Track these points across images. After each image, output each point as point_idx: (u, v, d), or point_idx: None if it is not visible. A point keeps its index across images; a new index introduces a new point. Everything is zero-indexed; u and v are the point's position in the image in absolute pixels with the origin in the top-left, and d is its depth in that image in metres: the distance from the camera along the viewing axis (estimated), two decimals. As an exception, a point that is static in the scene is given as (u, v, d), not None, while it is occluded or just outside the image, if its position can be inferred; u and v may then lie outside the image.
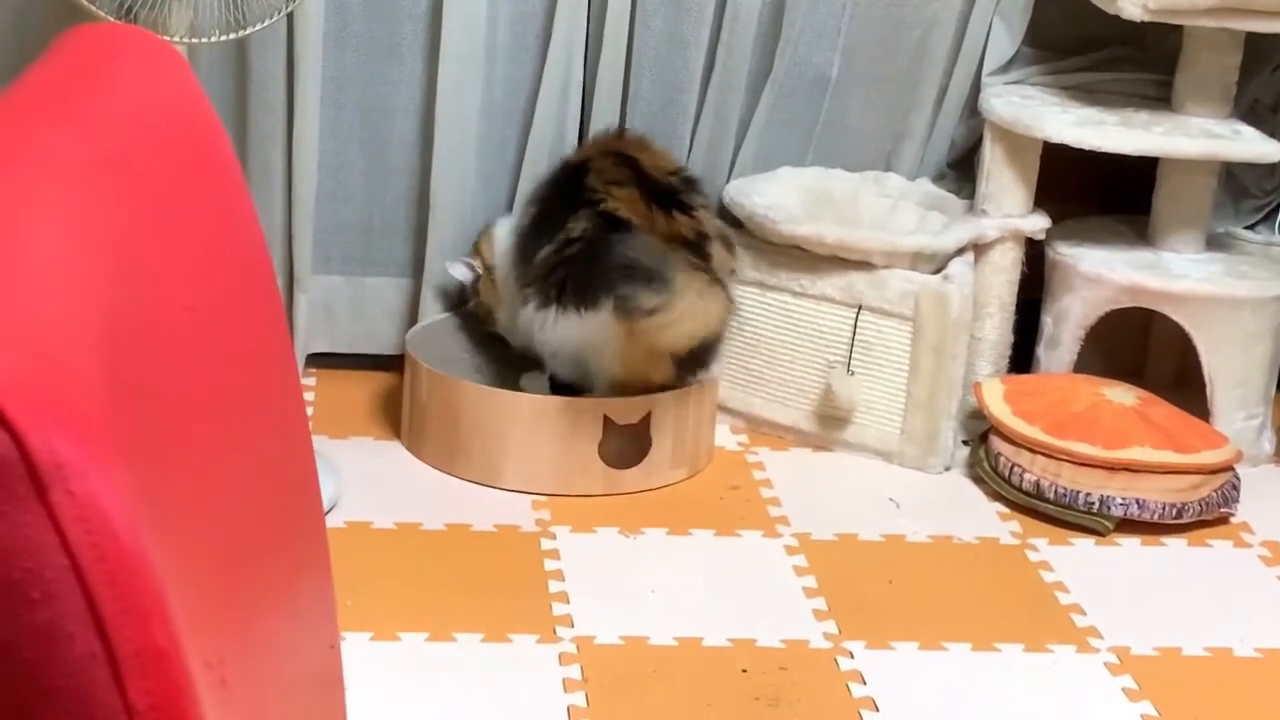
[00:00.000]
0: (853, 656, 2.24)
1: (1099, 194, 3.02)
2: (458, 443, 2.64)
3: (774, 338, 2.81)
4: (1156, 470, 2.60)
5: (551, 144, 2.86)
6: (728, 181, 2.90)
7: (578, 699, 2.12)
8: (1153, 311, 2.82)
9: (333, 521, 2.46)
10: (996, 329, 2.85)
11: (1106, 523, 2.60)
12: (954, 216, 2.86)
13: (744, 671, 2.20)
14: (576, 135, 2.87)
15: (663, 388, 2.62)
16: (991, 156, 2.82)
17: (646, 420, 2.62)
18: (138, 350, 0.85)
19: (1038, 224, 2.83)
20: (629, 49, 2.86)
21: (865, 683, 2.19)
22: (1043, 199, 2.85)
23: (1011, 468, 2.65)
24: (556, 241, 2.57)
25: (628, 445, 2.62)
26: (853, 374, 2.76)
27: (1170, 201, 2.87)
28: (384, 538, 2.47)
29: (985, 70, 2.94)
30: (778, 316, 2.79)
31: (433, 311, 2.90)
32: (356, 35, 2.82)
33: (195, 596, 0.80)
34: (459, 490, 2.61)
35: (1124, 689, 2.22)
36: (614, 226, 2.55)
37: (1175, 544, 2.60)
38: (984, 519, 2.64)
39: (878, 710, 2.14)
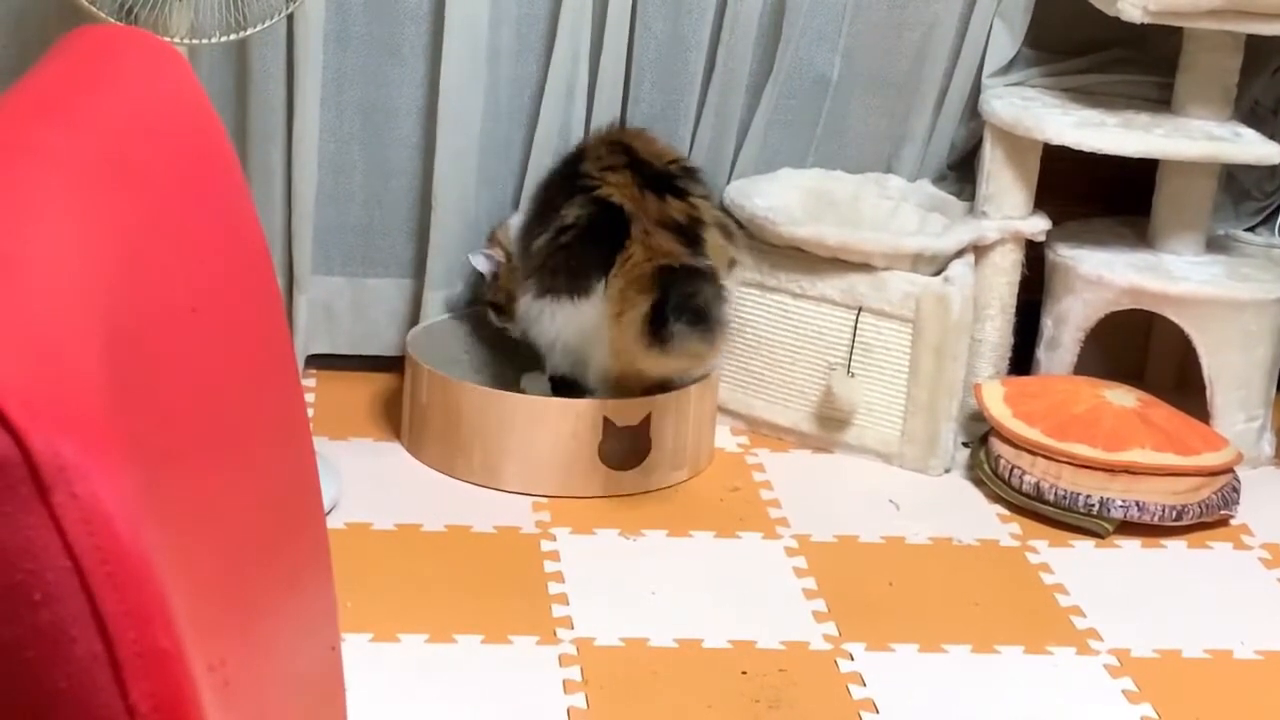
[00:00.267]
0: (853, 658, 2.24)
1: (1099, 196, 3.02)
2: (458, 444, 2.64)
3: (774, 339, 2.81)
4: (1157, 472, 2.60)
5: (556, 145, 2.86)
6: (728, 183, 2.90)
7: (578, 700, 2.12)
8: (1153, 313, 2.82)
9: (333, 523, 2.46)
10: (997, 331, 2.85)
11: (1107, 525, 2.60)
12: (955, 218, 2.86)
13: (744, 673, 2.20)
14: (583, 137, 2.87)
15: (660, 384, 2.62)
16: (992, 158, 2.82)
17: (646, 422, 2.62)
18: (140, 351, 0.85)
19: (1038, 226, 2.83)
20: (629, 50, 2.86)
21: (865, 684, 2.19)
22: (1043, 201, 2.85)
23: (1012, 469, 2.65)
24: (551, 229, 2.58)
25: (628, 447, 2.62)
26: (853, 376, 2.76)
27: (1171, 203, 2.87)
28: (384, 539, 2.47)
29: (986, 72, 2.94)
30: (778, 318, 2.79)
31: (434, 313, 2.89)
32: (357, 36, 2.82)
33: (197, 598, 0.80)
34: (459, 492, 2.61)
35: (1124, 691, 2.21)
36: (607, 212, 2.55)
37: (1175, 546, 2.60)
38: (984, 521, 2.64)
39: (877, 712, 2.14)
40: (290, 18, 2.64)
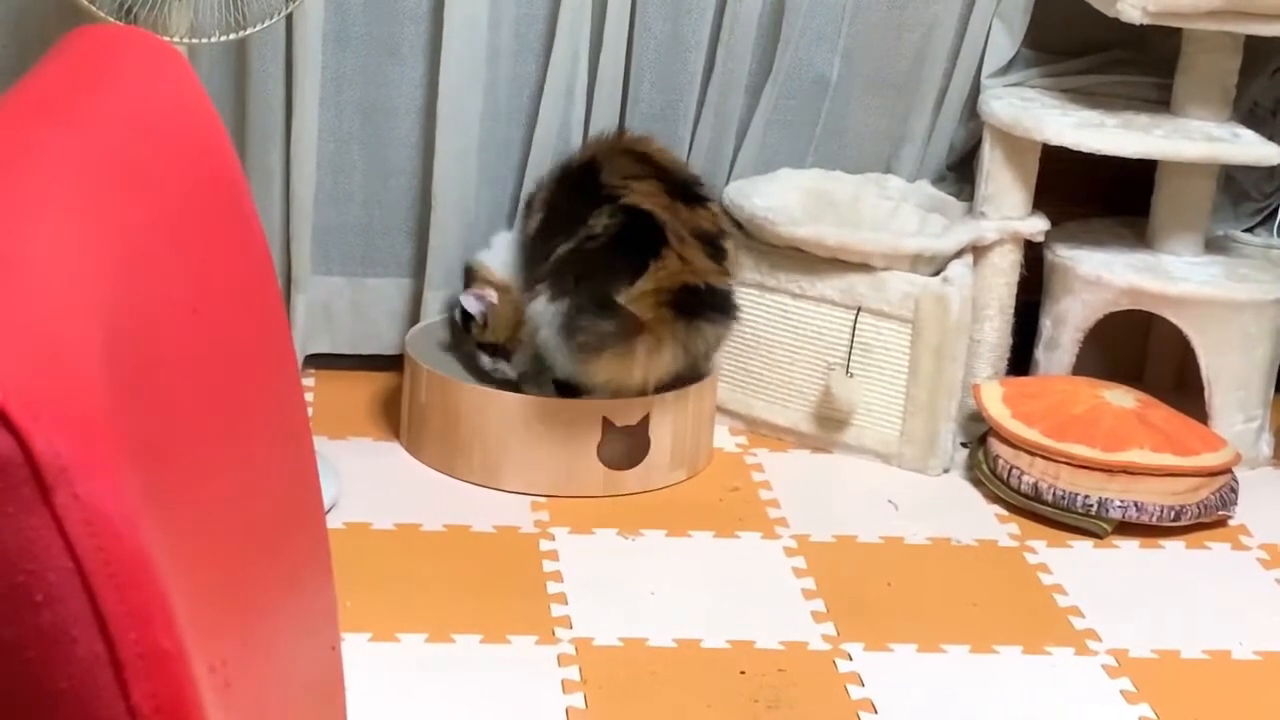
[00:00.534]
0: (851, 658, 2.24)
1: (1098, 196, 3.02)
2: (457, 444, 2.64)
3: (773, 339, 2.81)
4: (1155, 473, 2.60)
5: (556, 145, 2.86)
6: (727, 183, 2.90)
7: (576, 700, 2.12)
8: (1152, 314, 2.82)
9: (332, 522, 2.46)
10: (996, 331, 2.85)
11: (1105, 525, 2.60)
12: (954, 219, 2.86)
13: (742, 673, 2.20)
14: (582, 137, 2.87)
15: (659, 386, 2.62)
16: (991, 159, 2.82)
17: (645, 422, 2.62)
18: (141, 351, 0.85)
19: (1037, 226, 2.83)
20: (629, 51, 2.86)
21: (864, 684, 2.19)
22: (1042, 201, 2.85)
23: (1010, 470, 2.65)
24: (577, 238, 2.57)
25: (627, 447, 2.62)
26: (852, 376, 2.76)
27: (1169, 204, 2.87)
28: (383, 539, 2.47)
29: (985, 72, 2.94)
30: (777, 318, 2.79)
31: (433, 312, 2.89)
32: (357, 36, 2.82)
33: (198, 598, 0.80)
34: (458, 491, 2.61)
35: (1122, 691, 2.22)
36: (637, 219, 2.56)
37: (1174, 546, 2.60)
38: (983, 521, 2.64)
39: (876, 712, 2.14)
40: (289, 17, 2.64)
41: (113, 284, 0.85)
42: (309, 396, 2.88)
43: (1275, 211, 3.11)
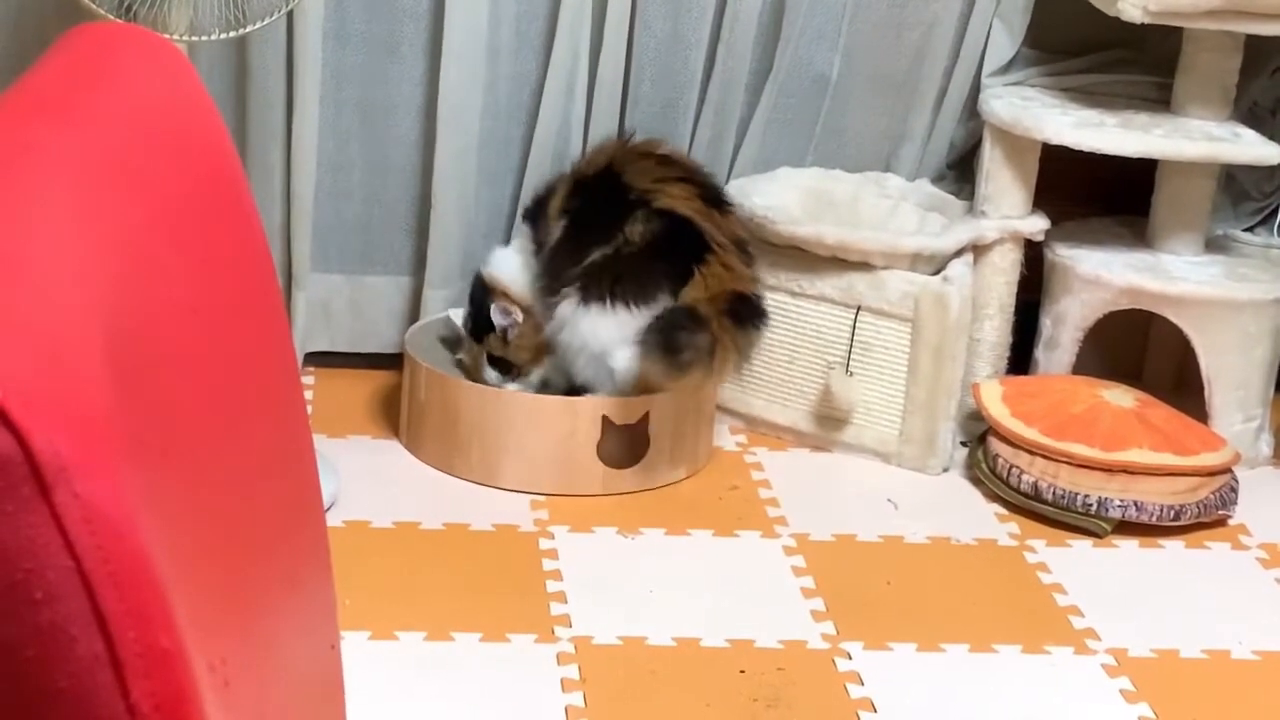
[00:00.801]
0: (851, 657, 2.24)
1: (1098, 196, 3.02)
2: (456, 442, 2.64)
3: (773, 338, 2.80)
4: (1155, 472, 2.60)
5: (555, 144, 2.86)
6: (727, 181, 2.90)
7: (575, 699, 2.12)
8: (1151, 313, 2.82)
9: (331, 521, 2.46)
10: (995, 330, 2.85)
11: (1105, 524, 2.60)
12: (954, 218, 2.86)
13: (742, 672, 2.20)
14: (582, 135, 2.87)
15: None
16: (991, 158, 2.82)
17: (645, 420, 2.62)
18: (141, 350, 0.85)
19: (1037, 225, 2.83)
20: (629, 49, 2.86)
21: (863, 683, 2.19)
22: (1042, 200, 2.85)
23: (1010, 469, 2.65)
24: (614, 244, 2.57)
25: (626, 445, 2.62)
26: (852, 375, 2.76)
27: (1169, 204, 2.87)
28: (382, 537, 2.47)
29: (985, 72, 2.94)
30: (777, 317, 2.79)
31: (432, 310, 2.89)
32: (356, 33, 2.82)
33: (198, 597, 0.79)
34: (457, 489, 2.61)
35: (1121, 690, 2.22)
36: (676, 225, 2.56)
37: (1173, 546, 2.60)
38: (982, 520, 2.64)
39: (875, 711, 2.14)
40: (289, 15, 2.64)
41: (113, 283, 0.85)
42: (308, 395, 2.88)
43: (1275, 211, 3.11)
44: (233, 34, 2.34)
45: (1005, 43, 2.93)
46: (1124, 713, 2.17)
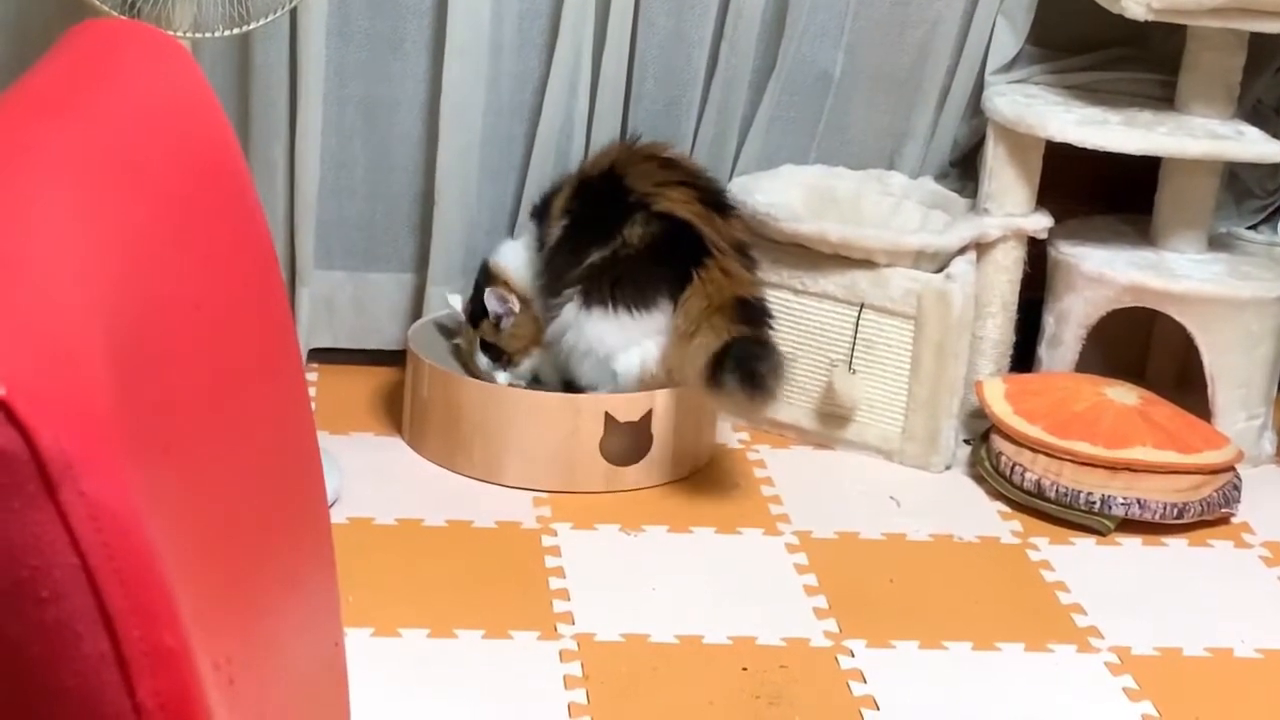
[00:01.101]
0: (853, 655, 2.24)
1: (1102, 193, 3.02)
2: (459, 439, 2.64)
3: (776, 336, 2.80)
4: (1158, 470, 2.60)
5: (558, 141, 2.86)
6: (730, 179, 2.90)
7: (578, 696, 2.12)
8: (1155, 311, 2.82)
9: (334, 517, 2.44)
10: (998, 328, 2.85)
11: (1107, 522, 2.60)
12: (957, 215, 2.86)
13: (744, 669, 2.20)
14: (585, 133, 2.87)
15: None
16: (994, 155, 2.82)
17: (648, 417, 2.62)
18: (144, 347, 0.85)
19: (1040, 223, 2.83)
20: (632, 47, 2.86)
21: (866, 681, 2.19)
22: (1045, 198, 2.84)
23: (1013, 467, 2.65)
24: (611, 246, 2.57)
25: (629, 442, 2.62)
26: (854, 372, 2.76)
27: (1173, 201, 2.87)
28: (385, 534, 2.47)
29: (988, 69, 2.94)
30: (780, 314, 2.79)
31: (435, 307, 2.89)
32: (360, 30, 2.82)
33: (202, 595, 0.79)
34: (460, 486, 2.61)
35: (1124, 689, 2.22)
36: (674, 228, 2.56)
37: (1176, 544, 2.60)
38: (985, 518, 2.64)
39: (878, 709, 2.14)
40: (293, 12, 2.64)
41: (116, 280, 0.85)
42: (311, 391, 2.88)
43: (1278, 209, 3.11)
44: (236, 31, 2.34)
45: (1009, 40, 2.93)
46: (1127, 711, 2.17)
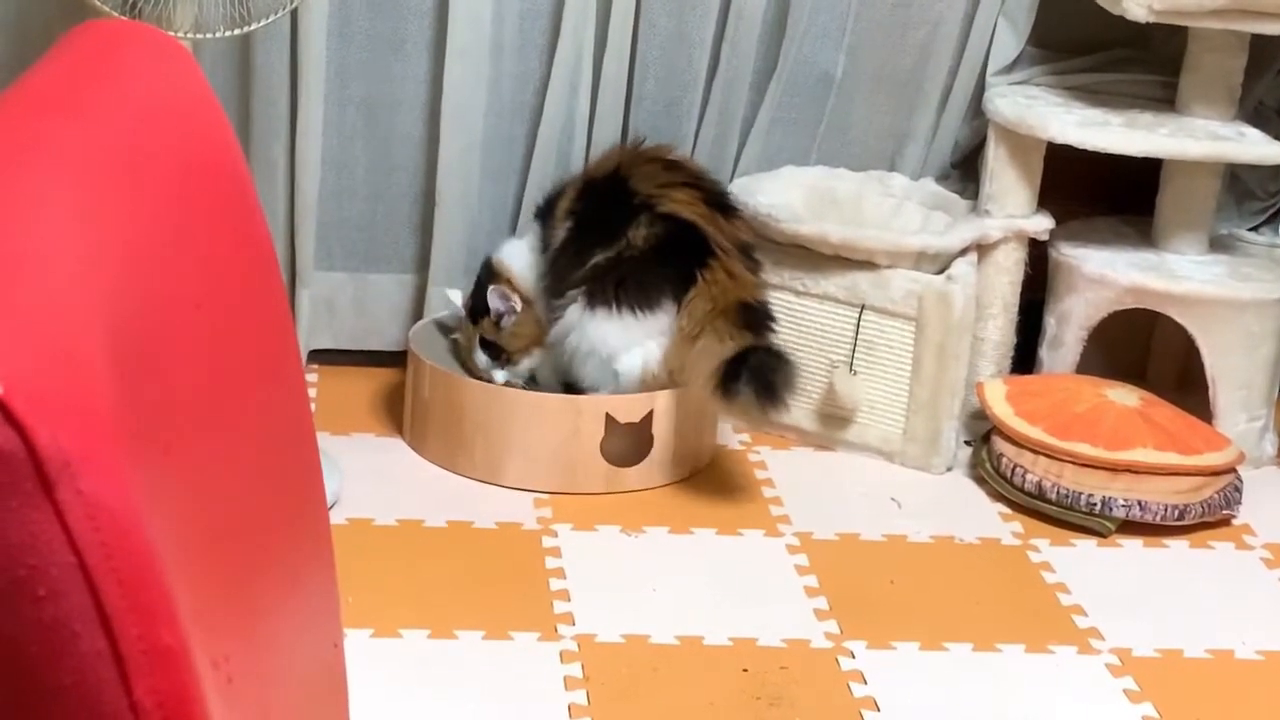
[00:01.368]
0: (854, 656, 2.24)
1: (1102, 195, 3.02)
2: (460, 440, 2.64)
3: (779, 339, 2.80)
4: (1159, 472, 2.59)
5: (559, 142, 2.86)
6: (731, 180, 2.90)
7: (578, 697, 2.12)
8: (1156, 313, 2.82)
9: (334, 518, 2.46)
10: (999, 329, 2.85)
11: (1108, 524, 2.60)
12: (958, 217, 2.86)
13: (745, 670, 2.20)
14: (586, 134, 2.87)
15: None
16: (995, 157, 2.82)
17: (648, 418, 2.62)
18: (144, 346, 0.85)
19: (1041, 224, 2.83)
20: (633, 47, 2.86)
21: (866, 682, 2.19)
22: (1046, 199, 2.84)
23: (1014, 468, 2.65)
24: (616, 247, 2.57)
25: (630, 443, 2.62)
26: (855, 373, 2.76)
27: (1174, 203, 2.87)
28: (385, 535, 2.47)
29: (989, 70, 2.94)
30: (781, 315, 2.79)
31: (436, 308, 2.89)
32: (360, 31, 2.82)
33: (201, 594, 0.79)
34: (461, 487, 2.61)
35: (1125, 690, 2.21)
36: (679, 230, 2.56)
37: (1177, 546, 2.60)
38: (986, 519, 2.64)
39: (879, 710, 2.14)
40: (294, 12, 2.64)
41: (116, 279, 0.85)
42: (311, 392, 2.88)
43: (1279, 211, 3.11)
44: (237, 31, 2.34)
45: (1010, 41, 2.93)
46: (1128, 712, 2.17)
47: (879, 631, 2.30)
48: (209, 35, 2.32)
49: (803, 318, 2.78)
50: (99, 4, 2.25)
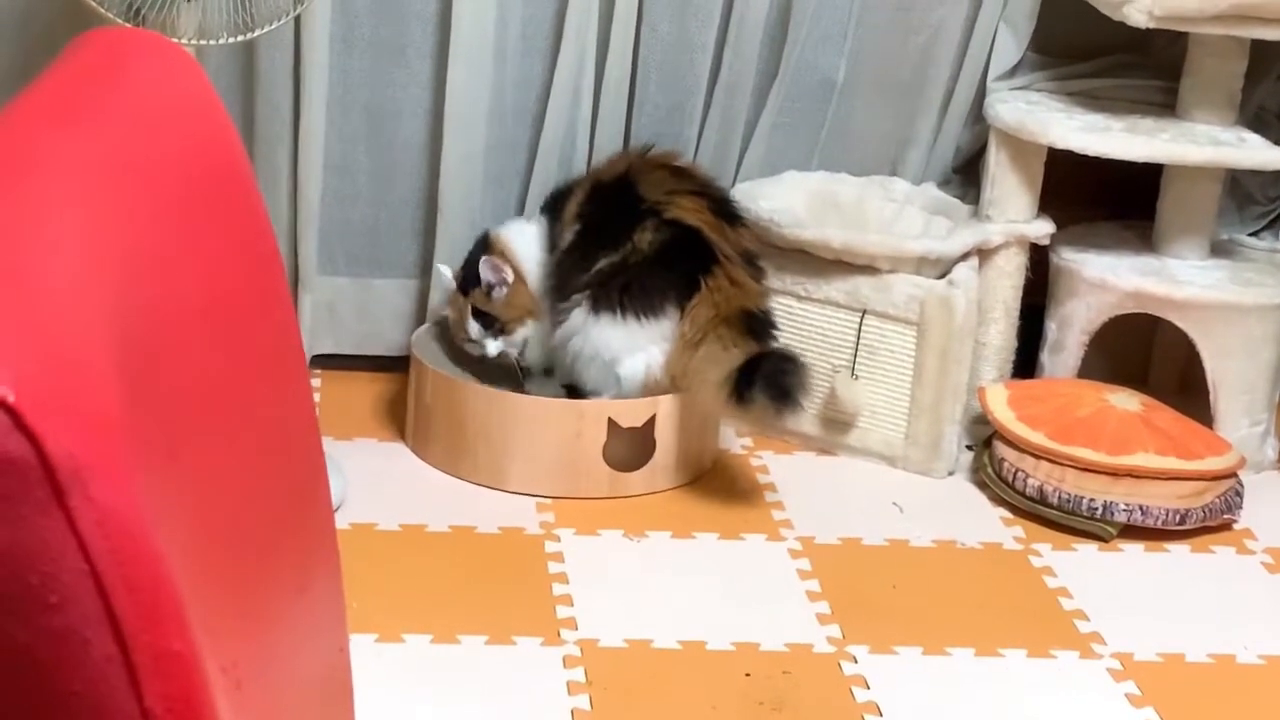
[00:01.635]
0: (856, 661, 2.25)
1: (1103, 200, 3.02)
2: (462, 444, 2.64)
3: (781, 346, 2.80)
4: (1160, 476, 2.60)
5: (563, 147, 2.86)
6: (733, 185, 2.90)
7: (582, 702, 2.12)
8: (1157, 317, 2.82)
9: (337, 523, 2.46)
10: (1001, 334, 2.85)
11: (1110, 528, 2.60)
12: (959, 221, 2.86)
13: (747, 675, 2.20)
14: (588, 139, 2.88)
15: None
16: (996, 162, 2.82)
17: (651, 423, 2.62)
18: (150, 352, 0.86)
19: (1042, 229, 2.83)
20: (635, 53, 2.86)
21: (869, 687, 2.19)
22: (1047, 204, 2.85)
23: (1015, 473, 2.65)
24: (621, 252, 2.58)
25: (632, 448, 2.62)
26: (857, 378, 2.76)
27: (1175, 208, 2.87)
28: (389, 539, 2.47)
29: (991, 76, 2.94)
30: (783, 320, 2.79)
31: (439, 313, 2.89)
32: (364, 37, 2.82)
33: (209, 600, 0.80)
34: (464, 492, 2.62)
35: (1127, 695, 2.22)
36: (684, 236, 2.57)
37: (1178, 550, 2.60)
38: (987, 524, 2.64)
39: (881, 715, 2.14)
40: (297, 19, 2.64)
41: (122, 286, 0.85)
42: (314, 397, 2.88)
43: (1280, 215, 3.11)
44: (241, 38, 2.34)
45: (1011, 47, 2.93)
46: (1130, 717, 2.17)
47: (881, 636, 2.31)
48: (213, 41, 2.33)
49: (804, 323, 2.79)
50: (103, 10, 2.25)
